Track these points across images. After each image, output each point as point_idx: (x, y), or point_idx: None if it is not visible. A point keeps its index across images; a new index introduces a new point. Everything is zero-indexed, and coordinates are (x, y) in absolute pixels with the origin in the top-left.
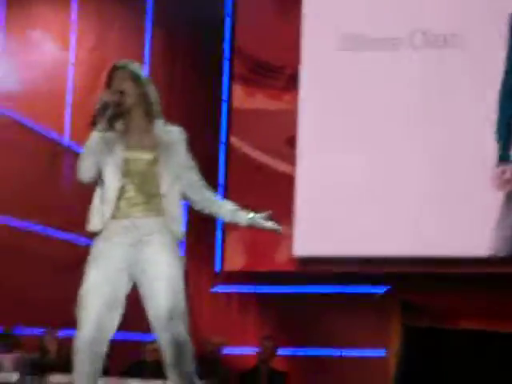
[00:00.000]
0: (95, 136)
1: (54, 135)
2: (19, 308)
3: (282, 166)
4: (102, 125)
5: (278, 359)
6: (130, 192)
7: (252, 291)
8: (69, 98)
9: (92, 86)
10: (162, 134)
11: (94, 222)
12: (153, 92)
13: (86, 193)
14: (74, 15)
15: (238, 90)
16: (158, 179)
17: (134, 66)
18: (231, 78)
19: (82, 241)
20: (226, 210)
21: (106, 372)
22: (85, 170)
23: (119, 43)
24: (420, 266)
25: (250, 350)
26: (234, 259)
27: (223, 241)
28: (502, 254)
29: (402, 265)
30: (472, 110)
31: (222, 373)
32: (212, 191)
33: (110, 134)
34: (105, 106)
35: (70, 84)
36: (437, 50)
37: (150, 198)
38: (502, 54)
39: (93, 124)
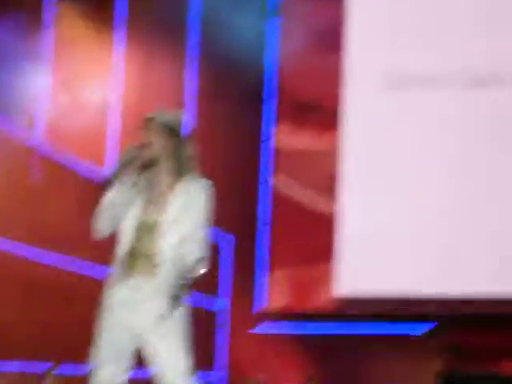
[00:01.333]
0: (115, 189)
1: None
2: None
3: (324, 206)
4: (124, 179)
5: None
6: (141, 250)
7: (293, 332)
8: (111, 139)
9: (134, 127)
10: (183, 192)
11: (116, 272)
12: (187, 147)
13: None
14: (118, 55)
15: (280, 130)
16: (160, 243)
17: (167, 118)
18: (271, 117)
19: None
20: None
21: None
22: (100, 224)
23: (162, 83)
24: (463, 306)
25: None
26: (276, 299)
27: (265, 281)
28: None
29: (446, 305)
30: None
31: None
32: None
33: (133, 188)
34: (129, 160)
35: (112, 124)
36: (482, 90)
37: (157, 259)
38: None
39: (115, 177)
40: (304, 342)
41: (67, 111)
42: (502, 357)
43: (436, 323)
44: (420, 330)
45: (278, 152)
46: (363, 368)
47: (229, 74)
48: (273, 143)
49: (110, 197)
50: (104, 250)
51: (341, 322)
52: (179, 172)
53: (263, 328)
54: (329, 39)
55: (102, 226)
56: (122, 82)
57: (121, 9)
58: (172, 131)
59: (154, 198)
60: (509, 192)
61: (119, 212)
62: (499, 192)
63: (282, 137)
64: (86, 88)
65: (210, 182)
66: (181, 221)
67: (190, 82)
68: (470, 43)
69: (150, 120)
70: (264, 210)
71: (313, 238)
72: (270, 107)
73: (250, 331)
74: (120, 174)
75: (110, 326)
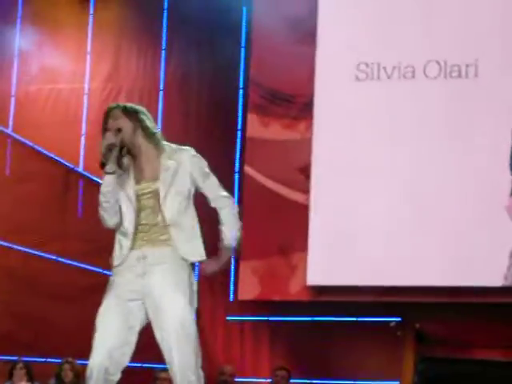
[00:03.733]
0: (108, 180)
1: (68, 164)
2: (37, 338)
3: (295, 196)
4: (111, 167)
5: None
6: (143, 224)
7: (266, 320)
8: (83, 128)
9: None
10: (168, 159)
11: (116, 257)
12: (148, 119)
13: (99, 221)
14: (89, 46)
15: (253, 120)
16: (162, 209)
17: (124, 104)
18: (246, 107)
19: (97, 270)
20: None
21: None
22: (110, 216)
23: (134, 73)
24: (434, 296)
25: (263, 380)
26: (249, 289)
27: (237, 270)
28: None
29: (417, 295)
30: (488, 141)
31: None
32: (227, 197)
33: (120, 173)
34: (109, 148)
35: (84, 114)
36: (452, 80)
37: (160, 228)
38: None
39: (102, 166)
40: (277, 331)
41: (37, 101)
42: (471, 346)
43: (407, 312)
44: (391, 318)
45: (250, 142)
46: (336, 357)
47: (203, 63)
48: (245, 133)
49: (104, 190)
50: (70, 241)
51: (314, 311)
52: (153, 143)
53: (235, 317)
54: (302, 29)
55: (109, 221)
56: (92, 74)
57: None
58: (131, 109)
59: (141, 175)
60: (480, 182)
61: (117, 200)
62: (469, 182)
63: (254, 127)
64: (57, 77)
65: (190, 147)
66: (177, 185)
67: (163, 72)
68: (437, 34)
69: (112, 109)
70: (237, 200)
71: (285, 227)
72: (244, 98)
73: (223, 320)
74: (105, 164)
75: (116, 302)
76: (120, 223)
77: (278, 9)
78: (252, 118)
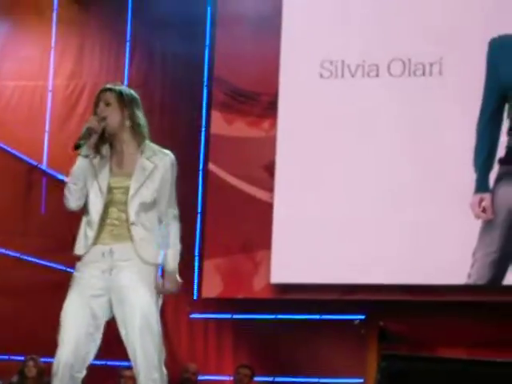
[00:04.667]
0: (81, 162)
1: (31, 161)
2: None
3: (259, 193)
4: (87, 151)
5: None
6: (112, 218)
7: (229, 318)
8: (47, 125)
9: (69, 113)
10: (146, 159)
11: (79, 247)
12: (140, 114)
13: (63, 218)
14: (52, 42)
15: (217, 117)
16: (128, 207)
17: (121, 88)
18: (210, 105)
19: (59, 267)
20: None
21: None
22: (74, 199)
23: (97, 70)
24: (397, 294)
25: (226, 377)
26: (212, 286)
27: (200, 268)
28: (479, 281)
29: (380, 293)
30: (451, 138)
31: None
32: (177, 226)
33: (96, 159)
34: (89, 132)
35: (48, 111)
36: (416, 79)
37: (127, 224)
38: (481, 83)
39: (75, 148)
40: (240, 329)
41: (1, 98)
42: (436, 344)
43: (371, 310)
44: (354, 316)
45: (214, 139)
46: (300, 355)
47: (167, 61)
48: (209, 130)
49: (75, 172)
50: (33, 237)
51: (277, 311)
52: (137, 140)
53: (199, 315)
54: (266, 26)
55: (73, 202)
56: (55, 71)
57: None
58: (127, 98)
59: (117, 168)
60: (444, 180)
61: (86, 184)
62: (433, 180)
63: (219, 124)
64: (21, 74)
65: (172, 154)
66: (148, 187)
67: (126, 69)
68: (401, 33)
69: (106, 91)
70: (201, 197)
71: (249, 224)
72: (208, 95)
73: (186, 318)
74: (79, 146)
75: (81, 297)
76: (86, 211)
77: (243, 6)
78: (216, 115)
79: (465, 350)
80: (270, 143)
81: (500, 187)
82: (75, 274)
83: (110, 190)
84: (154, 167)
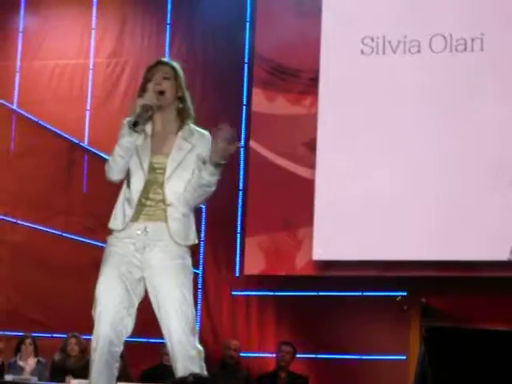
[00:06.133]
0: (133, 138)
1: (73, 139)
2: (43, 313)
3: (301, 170)
4: (142, 127)
5: (298, 362)
6: (149, 198)
7: (271, 295)
8: (88, 103)
9: (110, 91)
10: (184, 139)
11: (117, 222)
12: (188, 95)
13: (104, 195)
14: (93, 22)
15: (258, 95)
16: (165, 187)
17: (177, 65)
18: (251, 82)
19: (100, 244)
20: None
21: (128, 377)
22: (118, 171)
23: (138, 49)
24: (440, 271)
25: (269, 354)
26: (254, 264)
27: (243, 245)
28: None
29: (422, 269)
30: (493, 114)
31: (241, 376)
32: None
33: (143, 136)
34: (146, 109)
35: (89, 89)
36: (457, 54)
37: (163, 205)
38: None
39: (134, 125)
40: (282, 306)
41: (42, 77)
42: (478, 321)
43: (413, 287)
44: (396, 293)
45: (255, 116)
46: (342, 331)
47: (207, 39)
48: (250, 108)
49: (125, 145)
50: (75, 216)
51: (319, 285)
52: (182, 120)
53: (241, 292)
54: (307, 3)
55: (117, 174)
56: (96, 50)
57: None
58: (181, 78)
59: (158, 147)
60: (483, 155)
61: (130, 159)
62: (471, 156)
63: (260, 101)
64: (62, 53)
65: (209, 133)
66: (185, 167)
67: (167, 48)
68: (442, 9)
69: (163, 64)
70: (242, 175)
71: (291, 201)
72: (249, 72)
73: (228, 295)
74: (138, 123)
75: (116, 272)
76: (127, 187)
77: None
78: (257, 92)
79: (504, 325)
80: (311, 120)
81: None
82: (109, 248)
83: (151, 169)
84: (192, 147)
